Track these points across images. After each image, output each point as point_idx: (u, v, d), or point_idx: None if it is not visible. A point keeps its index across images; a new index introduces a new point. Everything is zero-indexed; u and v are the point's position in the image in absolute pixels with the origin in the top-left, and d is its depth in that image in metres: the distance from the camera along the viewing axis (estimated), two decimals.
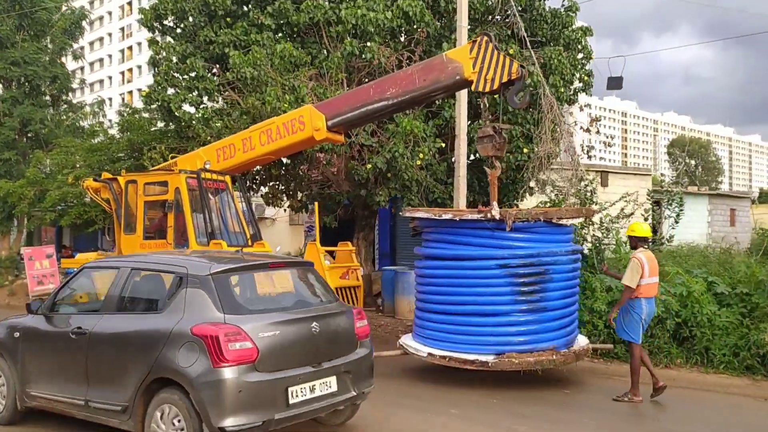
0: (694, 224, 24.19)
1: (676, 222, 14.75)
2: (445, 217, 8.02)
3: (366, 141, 11.90)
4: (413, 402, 7.27)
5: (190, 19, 14.06)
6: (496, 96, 11.76)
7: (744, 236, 25.80)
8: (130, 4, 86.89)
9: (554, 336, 7.84)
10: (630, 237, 7.76)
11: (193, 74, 13.55)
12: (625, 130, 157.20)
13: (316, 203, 12.20)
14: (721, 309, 8.68)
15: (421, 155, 11.42)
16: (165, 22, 14.74)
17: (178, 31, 14.70)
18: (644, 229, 7.64)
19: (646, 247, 7.59)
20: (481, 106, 9.08)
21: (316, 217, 11.73)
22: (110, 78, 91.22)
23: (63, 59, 22.53)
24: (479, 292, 7.88)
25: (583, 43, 13.97)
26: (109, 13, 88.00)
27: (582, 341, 8.42)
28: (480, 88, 8.46)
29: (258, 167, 12.93)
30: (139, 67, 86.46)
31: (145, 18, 14.41)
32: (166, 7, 14.08)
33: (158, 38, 15.27)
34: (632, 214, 12.00)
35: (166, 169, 11.14)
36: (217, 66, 13.90)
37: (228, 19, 13.87)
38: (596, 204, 11.59)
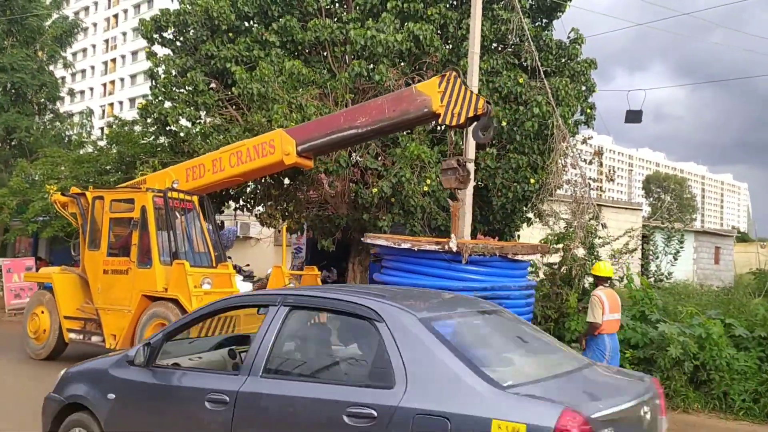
0: (679, 261, 24.28)
1: (675, 259, 14.68)
2: (403, 246, 8.01)
3: (371, 164, 11.62)
4: None
5: (192, 32, 13.75)
6: (504, 124, 11.72)
7: (727, 274, 25.97)
8: (116, 16, 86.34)
9: None
10: (594, 276, 8.13)
11: (191, 88, 13.20)
12: (601, 164, 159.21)
13: (305, 225, 11.90)
14: (739, 352, 8.47)
15: (428, 181, 11.17)
16: (165, 35, 14.41)
17: (178, 44, 14.37)
18: (606, 269, 7.99)
19: (607, 285, 7.94)
20: (447, 140, 9.05)
21: (304, 239, 11.51)
22: (92, 89, 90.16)
23: (51, 67, 21.98)
24: None
25: (586, 75, 13.95)
26: (94, 25, 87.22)
27: None
28: (447, 122, 8.59)
29: (253, 185, 12.61)
30: (122, 79, 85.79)
31: (145, 29, 14.07)
32: (168, 19, 13.77)
33: (156, 50, 14.91)
34: (635, 249, 11.85)
35: (134, 187, 11.13)
36: (217, 81, 13.59)
37: (230, 35, 13.60)
38: (600, 238, 11.43)
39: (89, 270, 10.77)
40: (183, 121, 13.49)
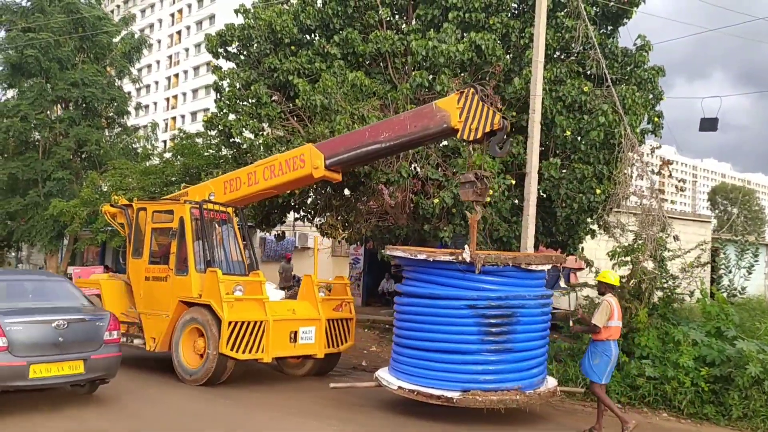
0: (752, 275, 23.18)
1: (749, 273, 14.03)
2: (419, 257, 8.34)
3: (432, 174, 11.54)
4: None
5: (255, 46, 14.02)
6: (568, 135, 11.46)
7: None
8: (179, 33, 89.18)
9: (520, 377, 8.12)
10: (599, 283, 8.21)
11: (255, 101, 13.44)
12: (670, 174, 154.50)
13: (364, 236, 12.04)
14: None
15: (490, 191, 10.99)
16: (229, 49, 14.74)
17: (242, 57, 14.67)
18: (613, 278, 8.13)
19: (613, 293, 8.05)
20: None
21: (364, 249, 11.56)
22: (155, 104, 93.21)
23: (119, 83, 22.79)
24: (448, 330, 8.17)
25: (654, 83, 13.52)
26: (159, 41, 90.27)
27: (551, 383, 8.68)
28: (465, 137, 8.83)
29: (314, 196, 12.70)
30: (184, 94, 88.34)
31: (210, 44, 14.42)
32: (233, 34, 14.08)
33: (221, 64, 15.28)
34: (708, 263, 11.37)
35: (174, 199, 11.75)
36: (279, 93, 13.79)
37: (292, 48, 13.81)
38: (670, 251, 11.02)
39: (132, 277, 11.33)
40: (246, 133, 13.73)
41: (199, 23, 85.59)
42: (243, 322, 9.49)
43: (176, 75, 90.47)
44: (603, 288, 8.12)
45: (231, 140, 14.22)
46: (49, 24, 20.11)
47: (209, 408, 8.48)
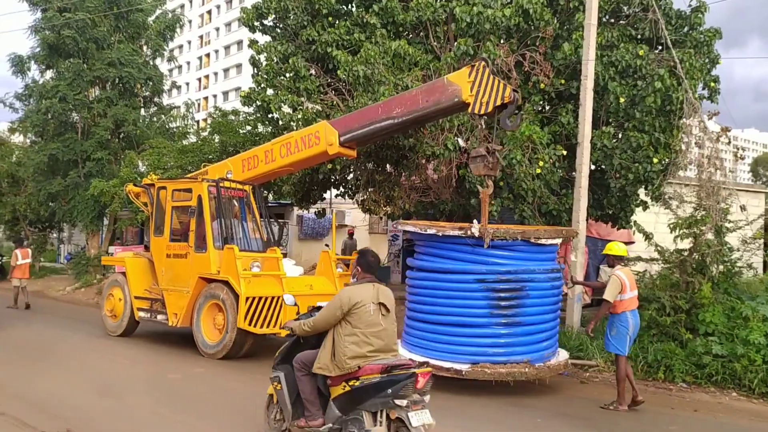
0: None
1: None
2: (429, 231, 8.44)
3: (479, 147, 11.10)
4: None
5: (292, 18, 13.64)
6: (622, 100, 10.90)
7: None
8: (209, 12, 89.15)
9: (529, 350, 8.21)
10: (608, 255, 8.19)
11: (293, 74, 13.11)
12: (729, 142, 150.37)
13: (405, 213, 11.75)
14: None
15: (540, 162, 10.55)
16: (265, 22, 14.40)
17: (278, 30, 14.32)
18: (621, 249, 8.07)
19: (623, 264, 8.04)
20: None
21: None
22: (187, 84, 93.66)
23: (155, 61, 22.68)
24: (458, 304, 8.26)
25: (710, 46, 12.80)
26: (189, 22, 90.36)
27: (562, 356, 8.77)
28: (476, 111, 8.94)
29: (354, 172, 12.42)
30: (216, 73, 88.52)
31: (246, 17, 14.09)
32: (269, 6, 13.72)
33: (256, 38, 14.96)
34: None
35: (192, 178, 11.92)
36: (317, 66, 13.43)
37: (330, 19, 13.40)
38: (731, 222, 10.46)
39: (155, 254, 11.63)
40: (285, 108, 13.44)
41: (229, 2, 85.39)
42: (260, 298, 9.65)
43: (207, 55, 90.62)
44: (612, 260, 8.12)
45: (269, 116, 13.94)
46: (85, 3, 19.98)
47: (232, 383, 8.61)
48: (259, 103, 13.59)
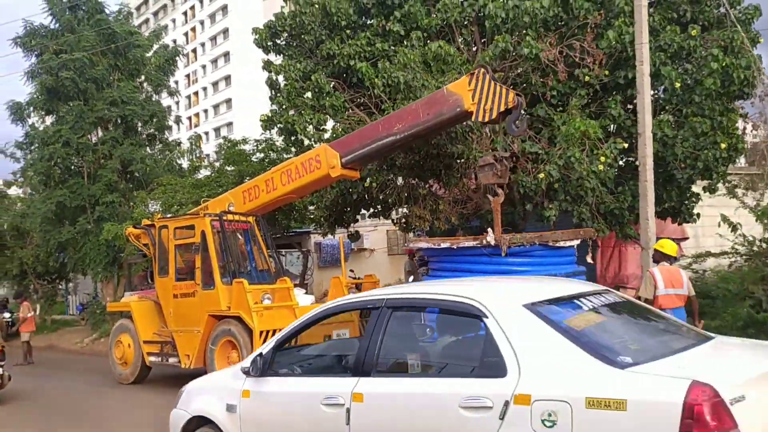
0: None
1: None
2: (443, 245, 8.33)
3: (531, 148, 10.35)
4: None
5: (310, 33, 12.94)
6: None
7: None
8: (194, 51, 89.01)
9: None
10: (655, 251, 8.21)
11: (316, 92, 12.37)
12: None
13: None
14: None
15: (602, 159, 9.78)
16: (278, 41, 13.71)
17: (294, 46, 13.61)
18: (671, 248, 8.07)
19: (669, 263, 7.99)
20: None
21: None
22: (170, 129, 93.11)
23: (156, 97, 22.01)
24: None
25: (749, 24, 12.15)
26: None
27: None
28: (480, 119, 8.75)
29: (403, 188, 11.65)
30: (206, 111, 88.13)
31: (260, 37, 13.40)
32: (283, 24, 13.05)
33: (260, 59, 14.31)
34: None
35: (193, 214, 11.77)
36: (339, 81, 12.70)
37: (348, 31, 12.73)
38: None
39: (161, 295, 11.42)
40: (310, 128, 12.69)
41: (213, 39, 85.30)
42: (274, 331, 9.29)
43: (195, 93, 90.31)
44: (657, 256, 8.10)
45: (293, 138, 13.18)
46: (81, 43, 19.30)
47: None
48: (281, 125, 12.83)
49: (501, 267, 8.01)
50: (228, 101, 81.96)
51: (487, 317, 3.85)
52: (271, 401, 4.66)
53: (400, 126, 9.38)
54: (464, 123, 10.39)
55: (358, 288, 11.19)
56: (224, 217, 10.96)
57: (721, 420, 3.07)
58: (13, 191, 28.51)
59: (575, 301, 4.19)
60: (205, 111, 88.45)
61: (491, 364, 3.73)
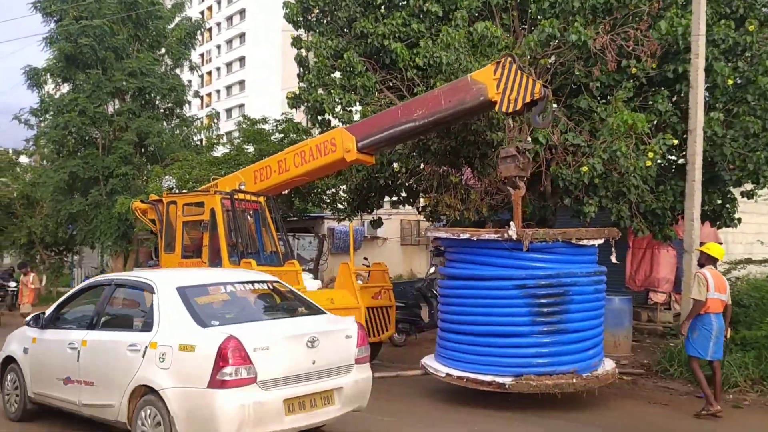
0: None
1: None
2: (462, 236, 8.07)
3: (574, 140, 9.87)
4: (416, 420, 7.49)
5: (343, 9, 12.46)
6: None
7: None
8: (210, 30, 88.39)
9: (575, 359, 7.83)
10: (701, 254, 8.11)
11: (347, 71, 11.90)
12: None
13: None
14: None
15: (650, 154, 9.31)
16: (309, 17, 13.23)
17: (324, 24, 13.13)
18: (719, 251, 7.95)
19: (714, 267, 7.91)
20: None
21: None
22: (189, 104, 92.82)
23: (177, 71, 21.56)
24: (496, 312, 7.92)
25: None
26: None
27: (608, 365, 8.37)
28: (504, 109, 8.47)
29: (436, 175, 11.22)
30: (218, 91, 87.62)
31: (291, 12, 12.92)
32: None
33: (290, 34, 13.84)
34: None
35: (203, 191, 11.54)
36: (372, 61, 12.23)
37: (383, 10, 12.25)
38: None
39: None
40: (338, 108, 12.23)
41: (229, 19, 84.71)
42: None
43: (209, 73, 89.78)
44: (704, 259, 8.02)
45: (319, 118, 12.73)
46: (102, 10, 18.84)
47: None
48: (309, 103, 12.36)
49: (521, 262, 7.82)
50: (241, 82, 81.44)
51: (154, 293, 6.04)
52: (44, 345, 6.95)
53: (421, 112, 9.11)
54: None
55: (366, 276, 11.21)
56: (235, 196, 10.74)
57: (241, 359, 5.20)
58: (23, 161, 28.12)
59: (220, 286, 6.29)
60: (218, 91, 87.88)
61: (148, 323, 5.96)
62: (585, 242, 7.92)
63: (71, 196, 20.05)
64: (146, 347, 5.65)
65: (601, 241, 8.18)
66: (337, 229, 22.77)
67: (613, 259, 8.72)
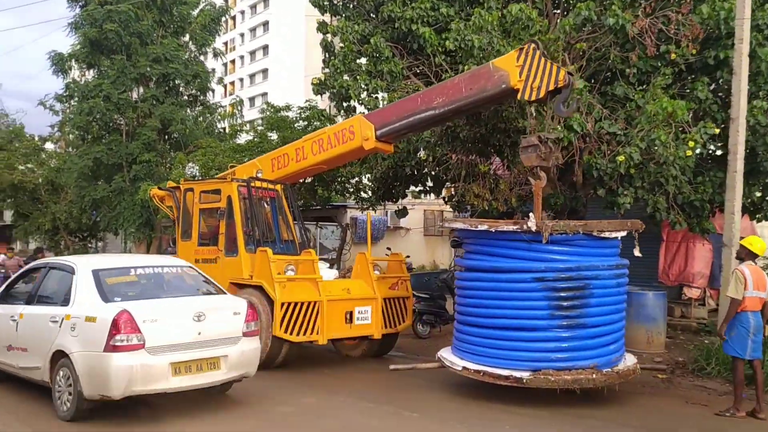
0: None
1: None
2: (480, 228, 7.94)
3: (610, 128, 9.50)
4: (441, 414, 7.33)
5: None
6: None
7: None
8: (233, 18, 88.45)
9: (595, 354, 7.66)
10: (741, 247, 7.84)
11: (375, 56, 11.61)
12: None
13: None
14: None
15: (691, 143, 8.92)
16: (335, 1, 12.95)
17: (351, 9, 12.84)
18: (760, 247, 7.65)
19: (754, 263, 7.62)
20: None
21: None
22: (213, 91, 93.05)
23: (201, 58, 21.43)
24: (515, 305, 7.77)
25: None
26: None
27: (629, 361, 8.17)
28: (526, 97, 8.26)
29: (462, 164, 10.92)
30: (241, 80, 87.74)
31: None
32: None
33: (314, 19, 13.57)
34: None
35: (221, 178, 11.50)
36: (399, 47, 11.91)
37: None
38: None
39: (183, 259, 10.83)
40: (364, 95, 11.95)
41: (253, 7, 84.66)
42: (296, 303, 9.23)
43: (232, 61, 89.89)
44: (743, 254, 7.74)
45: (346, 104, 12.47)
46: None
47: (276, 390, 8.27)
48: (334, 89, 12.10)
49: (540, 254, 7.65)
50: (264, 71, 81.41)
51: (74, 273, 7.18)
52: None
53: (441, 100, 8.93)
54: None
55: (381, 266, 11.03)
56: (252, 184, 10.68)
57: (131, 329, 6.35)
58: (48, 147, 28.29)
59: (132, 269, 7.49)
60: (241, 80, 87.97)
61: (66, 299, 7.05)
62: (607, 234, 7.75)
63: (95, 183, 20.08)
64: (63, 319, 6.78)
65: (623, 234, 7.95)
66: (360, 219, 22.57)
67: (636, 252, 8.35)
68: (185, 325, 6.72)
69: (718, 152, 10.69)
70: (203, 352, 6.76)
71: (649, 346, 10.67)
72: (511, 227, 7.72)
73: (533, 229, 7.52)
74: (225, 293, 7.85)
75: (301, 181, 16.42)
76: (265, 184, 11.09)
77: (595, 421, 7.13)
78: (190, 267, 8.23)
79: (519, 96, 8.36)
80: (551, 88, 8.04)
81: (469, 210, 11.70)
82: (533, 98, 8.21)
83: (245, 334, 7.22)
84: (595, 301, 7.66)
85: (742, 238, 8.98)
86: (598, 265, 7.76)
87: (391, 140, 10.11)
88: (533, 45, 8.23)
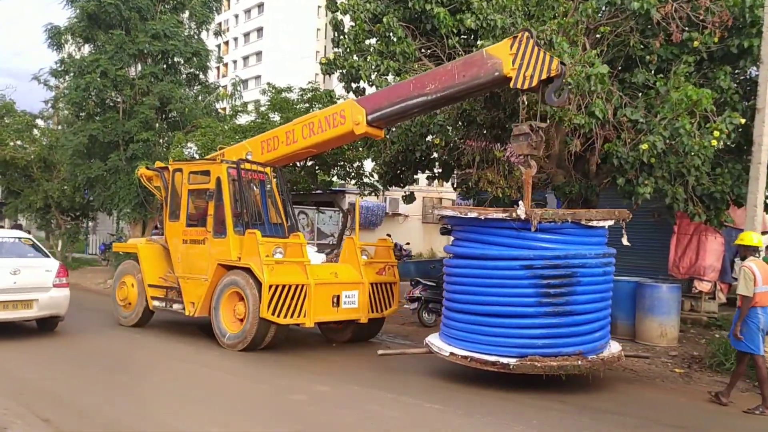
0: None
1: None
2: (470, 215, 8.01)
3: (632, 115, 9.24)
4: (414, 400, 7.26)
5: None
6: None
7: None
8: (229, 0, 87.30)
9: (581, 341, 7.75)
10: (739, 246, 7.94)
11: (386, 36, 11.27)
12: None
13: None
14: None
15: (716, 133, 8.68)
16: None
17: None
18: (754, 239, 7.72)
19: (756, 256, 7.64)
20: (519, 104, 8.77)
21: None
22: (215, 69, 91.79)
23: (201, 35, 20.93)
24: (502, 292, 7.83)
25: None
26: None
27: (614, 348, 8.30)
28: (519, 85, 8.27)
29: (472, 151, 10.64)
30: (234, 62, 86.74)
31: None
32: None
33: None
34: None
35: (210, 159, 11.44)
36: (412, 27, 11.58)
37: None
38: None
39: (170, 240, 11.21)
40: (374, 76, 11.61)
41: None
42: (284, 286, 9.24)
43: (226, 43, 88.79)
44: (744, 251, 7.82)
45: (355, 85, 12.13)
46: None
47: (259, 373, 8.24)
48: (344, 70, 11.76)
49: (529, 242, 7.72)
50: (258, 54, 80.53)
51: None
52: None
53: (433, 86, 8.93)
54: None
55: (370, 250, 11.13)
56: (242, 165, 10.66)
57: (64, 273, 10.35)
58: (39, 123, 27.65)
59: None
60: (234, 62, 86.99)
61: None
62: (594, 223, 7.84)
63: (90, 161, 19.59)
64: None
65: (611, 223, 8.02)
66: (362, 204, 22.30)
67: (624, 242, 8.33)
68: (4, 277, 9.48)
69: (743, 142, 10.48)
70: (18, 295, 9.59)
71: (662, 340, 10.51)
72: (501, 215, 7.80)
73: (522, 217, 7.58)
74: (48, 257, 10.53)
75: (300, 163, 16.14)
76: (254, 167, 11.05)
77: (646, 421, 6.88)
78: (28, 238, 10.90)
79: (512, 84, 8.34)
80: (544, 77, 8.03)
81: (475, 199, 11.45)
82: (526, 86, 8.19)
83: (55, 286, 10.01)
84: (582, 289, 7.73)
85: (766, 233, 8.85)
86: (586, 253, 7.84)
87: (382, 125, 10.09)
88: (527, 33, 8.21)
